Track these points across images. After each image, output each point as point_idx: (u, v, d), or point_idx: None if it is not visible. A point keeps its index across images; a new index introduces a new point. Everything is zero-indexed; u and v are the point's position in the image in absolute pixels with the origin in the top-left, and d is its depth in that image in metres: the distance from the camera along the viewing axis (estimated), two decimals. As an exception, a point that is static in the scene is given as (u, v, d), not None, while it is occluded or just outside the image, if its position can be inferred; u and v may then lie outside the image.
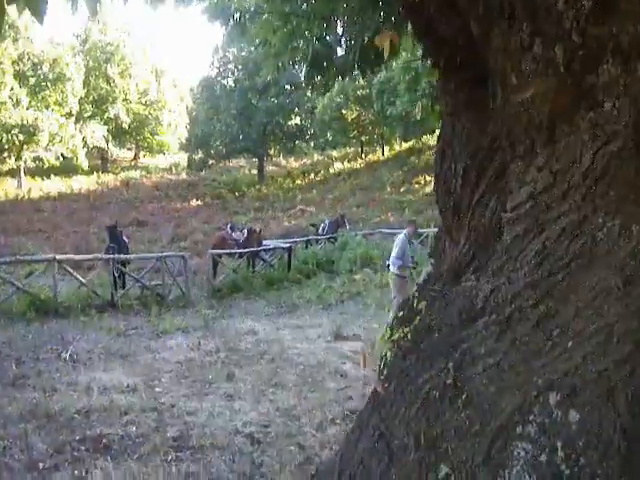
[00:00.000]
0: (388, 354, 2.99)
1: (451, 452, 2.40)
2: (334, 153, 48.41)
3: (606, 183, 2.22)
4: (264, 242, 17.93)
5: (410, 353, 2.85)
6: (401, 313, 3.14)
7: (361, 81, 28.44)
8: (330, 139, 46.15)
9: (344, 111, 44.24)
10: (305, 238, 21.89)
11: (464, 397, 2.47)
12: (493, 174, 2.95)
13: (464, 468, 2.34)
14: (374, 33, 4.53)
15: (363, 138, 46.46)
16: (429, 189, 34.06)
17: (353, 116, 44.61)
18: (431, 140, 40.70)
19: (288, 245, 18.25)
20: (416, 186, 35.59)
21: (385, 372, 2.95)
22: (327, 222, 22.95)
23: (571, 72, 2.26)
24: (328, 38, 4.80)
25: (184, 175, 46.10)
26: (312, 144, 47.65)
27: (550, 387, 2.24)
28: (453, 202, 3.21)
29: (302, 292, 14.82)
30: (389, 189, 36.02)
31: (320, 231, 22.46)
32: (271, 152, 45.92)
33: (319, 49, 4.62)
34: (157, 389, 6.63)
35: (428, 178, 35.14)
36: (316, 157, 48.36)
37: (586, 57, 2.24)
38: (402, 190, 35.36)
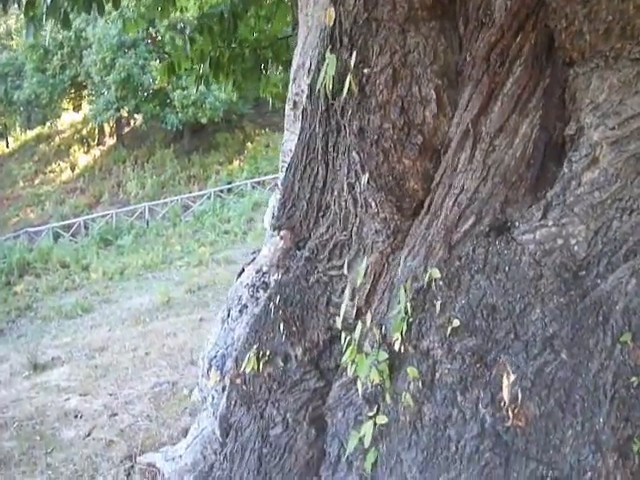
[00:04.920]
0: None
1: None
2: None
3: None
4: None
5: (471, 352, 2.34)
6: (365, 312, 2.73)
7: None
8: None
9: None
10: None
11: None
12: (522, 92, 2.42)
13: None
14: None
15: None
16: (66, 176, 32.18)
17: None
18: (60, 125, 38.10)
19: None
20: (51, 175, 32.78)
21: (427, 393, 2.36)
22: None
23: None
24: None
25: None
26: None
27: None
28: (422, 137, 2.64)
29: (-44, 323, 12.67)
30: (22, 183, 32.53)
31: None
32: None
33: None
34: None
35: (63, 165, 33.20)
36: None
37: None
38: (37, 182, 32.33)
